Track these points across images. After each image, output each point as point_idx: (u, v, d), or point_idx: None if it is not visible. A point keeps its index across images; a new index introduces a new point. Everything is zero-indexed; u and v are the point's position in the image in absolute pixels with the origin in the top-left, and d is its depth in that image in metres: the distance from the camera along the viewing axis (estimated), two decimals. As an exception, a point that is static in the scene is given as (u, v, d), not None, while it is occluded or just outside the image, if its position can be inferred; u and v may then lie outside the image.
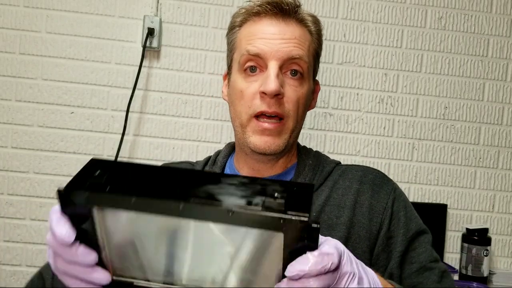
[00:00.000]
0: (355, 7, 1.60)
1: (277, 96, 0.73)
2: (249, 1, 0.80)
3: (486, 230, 1.56)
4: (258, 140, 0.75)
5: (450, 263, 1.61)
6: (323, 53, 1.63)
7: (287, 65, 0.75)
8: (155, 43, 1.52)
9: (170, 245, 0.47)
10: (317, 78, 0.90)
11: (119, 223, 0.46)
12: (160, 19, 1.52)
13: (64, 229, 0.45)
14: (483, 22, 1.63)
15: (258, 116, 0.74)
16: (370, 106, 1.61)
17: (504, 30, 1.64)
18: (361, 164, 1.59)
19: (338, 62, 1.60)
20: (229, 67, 0.83)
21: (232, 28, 0.82)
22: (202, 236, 0.45)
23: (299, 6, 0.78)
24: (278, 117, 0.74)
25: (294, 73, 0.76)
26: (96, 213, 0.45)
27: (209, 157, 0.91)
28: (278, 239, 0.43)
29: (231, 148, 0.89)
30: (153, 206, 0.43)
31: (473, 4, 1.63)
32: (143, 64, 1.52)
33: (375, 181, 0.79)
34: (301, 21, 0.78)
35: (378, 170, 0.83)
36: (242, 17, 0.79)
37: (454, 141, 1.64)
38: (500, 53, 1.64)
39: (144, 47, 1.50)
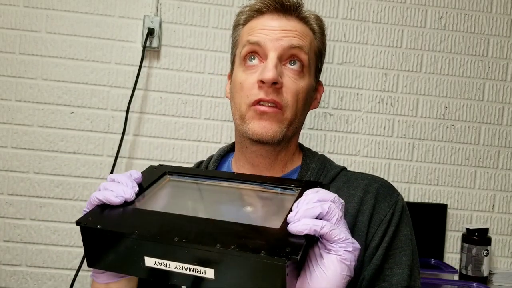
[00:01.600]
0: (355, 7, 1.60)
1: (275, 85, 0.73)
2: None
3: (486, 230, 1.56)
4: (256, 125, 0.74)
5: (450, 263, 1.61)
6: (323, 53, 1.63)
7: (286, 56, 0.75)
8: (155, 43, 1.52)
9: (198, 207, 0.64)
10: (322, 82, 0.89)
11: (173, 188, 0.68)
12: (160, 19, 1.52)
13: (137, 173, 0.65)
14: (483, 22, 1.63)
15: (256, 104, 0.75)
16: (370, 106, 1.61)
17: (504, 30, 1.64)
18: (361, 164, 1.61)
19: (338, 62, 1.60)
20: (232, 64, 0.83)
21: (236, 26, 0.82)
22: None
23: (301, 4, 0.79)
24: (276, 106, 0.74)
25: (293, 62, 0.76)
26: (163, 178, 0.68)
27: (201, 162, 0.92)
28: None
29: (224, 152, 0.89)
30: (214, 175, 0.70)
31: (473, 4, 1.63)
32: (143, 64, 1.52)
33: (379, 191, 0.78)
34: (302, 19, 0.79)
35: (385, 180, 0.81)
36: (245, 15, 0.80)
37: (454, 141, 1.64)
38: (500, 53, 1.64)
39: (144, 47, 1.50)
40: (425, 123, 1.63)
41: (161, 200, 0.64)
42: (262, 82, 0.73)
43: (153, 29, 1.50)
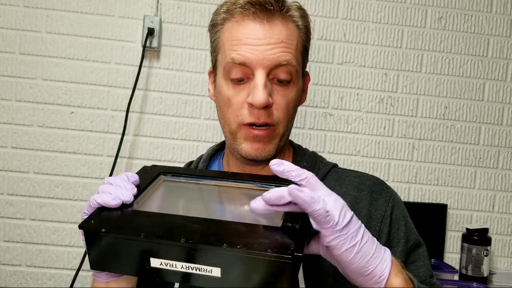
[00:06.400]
0: (355, 7, 1.60)
1: (266, 107, 0.72)
2: None
3: (486, 230, 1.56)
4: (249, 147, 0.74)
5: (450, 263, 1.61)
6: (323, 53, 1.64)
7: (274, 72, 0.72)
8: (155, 43, 1.52)
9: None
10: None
11: (168, 188, 0.69)
12: (160, 19, 1.52)
13: (133, 175, 0.64)
14: (483, 22, 1.63)
15: (248, 125, 0.73)
16: (370, 106, 1.61)
17: (504, 30, 1.64)
18: (361, 164, 1.60)
19: (338, 62, 1.60)
20: (214, 66, 0.80)
21: (214, 26, 0.78)
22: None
23: (284, 0, 0.74)
24: (268, 126, 0.73)
25: (282, 80, 0.74)
26: (158, 179, 0.68)
27: (191, 162, 0.91)
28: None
29: (213, 152, 0.89)
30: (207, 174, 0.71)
31: (473, 4, 1.63)
32: (143, 64, 1.52)
33: (373, 188, 0.78)
34: (287, 18, 0.74)
35: (376, 177, 0.81)
36: (223, 15, 0.76)
37: (454, 141, 1.64)
38: (500, 53, 1.64)
39: (144, 47, 1.50)
40: (425, 123, 1.63)
41: (159, 201, 0.65)
42: (253, 105, 0.71)
43: (153, 29, 1.50)
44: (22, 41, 1.51)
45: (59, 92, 1.53)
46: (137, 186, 0.63)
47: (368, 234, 0.56)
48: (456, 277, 1.56)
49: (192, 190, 0.68)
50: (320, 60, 1.58)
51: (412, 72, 1.62)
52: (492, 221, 1.65)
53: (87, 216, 0.58)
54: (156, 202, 0.64)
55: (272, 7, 0.72)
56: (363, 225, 0.56)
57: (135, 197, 0.61)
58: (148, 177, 0.67)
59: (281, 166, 0.57)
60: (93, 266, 0.57)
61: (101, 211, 0.58)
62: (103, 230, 0.53)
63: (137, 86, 1.51)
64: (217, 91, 0.78)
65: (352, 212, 0.56)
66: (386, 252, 0.58)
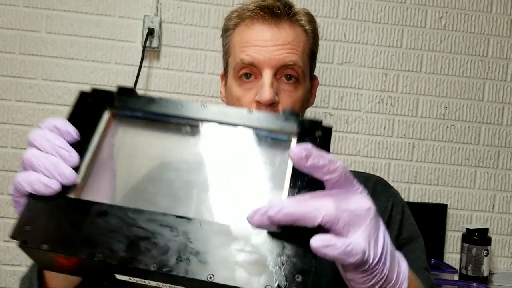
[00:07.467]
0: (355, 7, 1.60)
1: (272, 104, 0.74)
2: (242, 4, 0.81)
3: (486, 230, 1.56)
4: None
5: (450, 263, 1.61)
6: (323, 53, 1.63)
7: (281, 71, 0.75)
8: (155, 43, 1.52)
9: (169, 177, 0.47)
10: (316, 76, 0.89)
11: (126, 137, 0.49)
12: (160, 19, 1.52)
13: (68, 128, 0.46)
14: (483, 22, 1.63)
15: None
16: (370, 106, 1.61)
17: (504, 30, 1.64)
18: (361, 164, 1.60)
19: (338, 62, 1.60)
20: (225, 69, 0.84)
21: (226, 31, 0.82)
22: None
23: (291, 6, 0.78)
24: None
25: (289, 77, 0.76)
26: (105, 119, 0.48)
27: None
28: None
29: None
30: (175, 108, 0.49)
31: (473, 4, 1.63)
32: (143, 64, 1.52)
33: (376, 187, 0.80)
34: (295, 22, 0.78)
35: (380, 177, 0.84)
36: (234, 20, 0.80)
37: (454, 141, 1.64)
38: (500, 53, 1.64)
39: (144, 47, 1.50)
40: (425, 123, 1.63)
41: (110, 168, 0.48)
42: (260, 102, 0.74)
43: (153, 29, 1.50)
44: (22, 41, 1.51)
45: (59, 92, 1.53)
46: (75, 143, 0.46)
47: (390, 251, 0.45)
48: (456, 277, 1.56)
49: (156, 139, 0.50)
50: (320, 60, 1.58)
51: (412, 72, 1.62)
52: (492, 221, 1.65)
53: (17, 219, 0.44)
54: (106, 171, 0.47)
55: (279, 11, 0.76)
56: (387, 239, 0.45)
57: (76, 169, 0.44)
58: (89, 116, 0.48)
59: (309, 160, 0.40)
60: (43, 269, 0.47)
61: (34, 203, 0.43)
62: (43, 246, 0.41)
63: (137, 86, 1.51)
64: (228, 93, 0.81)
65: (381, 220, 0.45)
66: (403, 266, 0.47)
